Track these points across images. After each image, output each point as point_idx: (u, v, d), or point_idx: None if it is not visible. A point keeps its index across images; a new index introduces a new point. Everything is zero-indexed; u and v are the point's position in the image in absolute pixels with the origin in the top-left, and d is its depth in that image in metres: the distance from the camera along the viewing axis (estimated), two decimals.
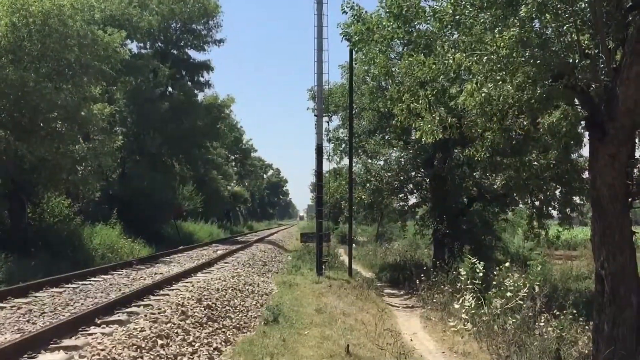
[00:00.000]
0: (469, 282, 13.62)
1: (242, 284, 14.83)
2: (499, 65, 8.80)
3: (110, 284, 13.79)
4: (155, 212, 32.40)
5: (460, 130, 13.38)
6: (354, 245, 39.08)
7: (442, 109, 13.98)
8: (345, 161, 26.80)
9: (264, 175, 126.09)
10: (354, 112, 23.54)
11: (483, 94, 9.34)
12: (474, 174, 22.47)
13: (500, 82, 9.08)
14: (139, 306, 10.59)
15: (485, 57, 8.84)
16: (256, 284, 15.78)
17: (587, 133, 9.73)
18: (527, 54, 8.66)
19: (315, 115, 20.59)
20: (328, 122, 26.12)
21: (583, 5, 8.61)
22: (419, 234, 25.05)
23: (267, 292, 15.00)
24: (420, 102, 13.16)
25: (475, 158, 13.88)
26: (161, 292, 12.49)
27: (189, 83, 41.25)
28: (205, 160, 45.92)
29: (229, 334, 9.92)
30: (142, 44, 38.38)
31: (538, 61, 8.63)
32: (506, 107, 10.08)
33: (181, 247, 27.60)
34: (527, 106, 9.40)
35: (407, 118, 13.41)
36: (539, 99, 9.07)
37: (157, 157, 37.08)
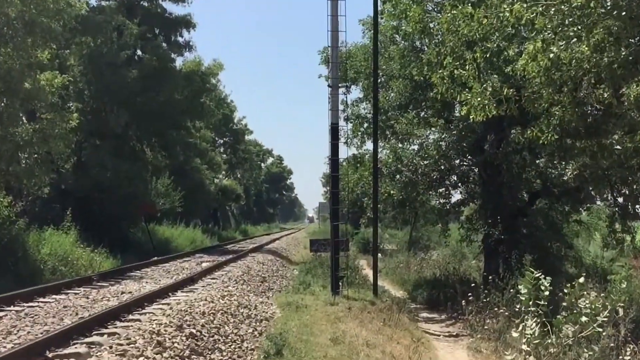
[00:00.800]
0: (531, 303, 13.56)
1: (234, 306, 14.84)
2: (571, 19, 8.73)
3: (65, 307, 13.85)
4: (121, 212, 32.59)
5: (520, 104, 13.30)
6: (379, 255, 39.19)
7: (496, 76, 13.91)
8: (368, 146, 26.78)
9: (262, 165, 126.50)
10: (379, 81, 23.46)
11: (550, 57, 9.28)
12: (538, 161, 22.31)
13: (573, 41, 9.00)
14: (101, 335, 10.64)
15: (554, 8, 8.77)
16: (253, 306, 15.78)
17: None
18: (608, 4, 8.59)
19: (328, 86, 20.46)
20: (346, 95, 26.11)
21: None
22: (465, 241, 25.02)
23: (267, 317, 15.01)
24: (467, 67, 13.10)
25: (540, 141, 13.80)
26: (130, 316, 12.54)
27: (164, 44, 41.33)
28: (185, 144, 46.04)
29: None
30: None
31: (623, 12, 8.54)
32: (580, 74, 10.00)
33: (155, 258, 27.71)
34: (607, 72, 9.32)
35: (450, 89, 13.34)
36: (624, 62, 8.99)
37: (123, 141, 37.20)
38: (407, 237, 48.00)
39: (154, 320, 11.78)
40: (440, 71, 13.74)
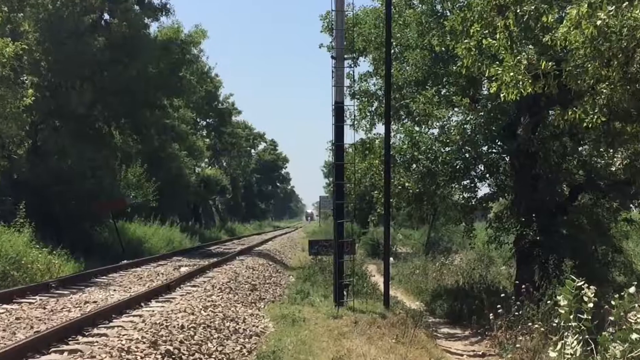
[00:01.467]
0: (571, 317, 13.58)
1: (219, 319, 14.87)
2: None
3: (17, 319, 13.87)
4: (84, 207, 32.59)
5: (560, 80, 13.28)
6: (391, 259, 39.24)
7: (532, 47, 13.87)
8: (379, 129, 26.79)
9: (252, 151, 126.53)
10: (392, 52, 23.42)
11: (597, 24, 9.25)
12: (581, 149, 22.30)
13: (625, 5, 8.98)
14: (61, 352, 10.66)
15: None
16: (241, 319, 15.81)
17: None
18: None
19: (332, 57, 20.44)
20: (353, 68, 26.04)
21: None
22: (494, 243, 24.97)
23: (257, 332, 15.04)
24: (498, 36, 13.06)
25: (584, 124, 13.78)
26: (95, 330, 12.56)
27: (136, 7, 41.14)
28: (160, 127, 46.04)
29: None
30: None
31: None
32: (633, 45, 9.97)
33: (125, 261, 27.73)
34: None
35: (477, 62, 13.31)
36: None
37: (87, 123, 37.21)
38: (424, 238, 48.09)
39: (123, 335, 11.80)
40: (465, 41, 13.69)
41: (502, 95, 12.34)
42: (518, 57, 12.37)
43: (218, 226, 76.82)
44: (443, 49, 21.09)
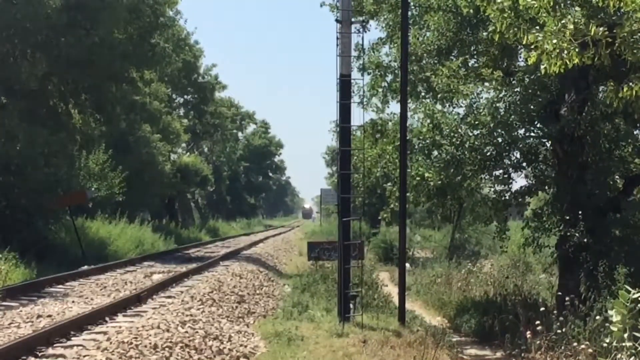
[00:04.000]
0: (626, 335, 13.60)
1: (200, 337, 14.91)
2: None
3: None
4: (36, 202, 32.57)
5: (613, 49, 13.26)
6: (408, 265, 39.26)
7: (579, 9, 13.85)
8: (393, 108, 26.72)
9: (240, 134, 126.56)
10: (410, 14, 23.40)
11: None
12: (637, 132, 22.28)
13: None
14: None
15: None
16: (226, 337, 15.86)
17: None
18: None
19: (337, 21, 20.45)
20: (361, 34, 25.98)
21: None
22: (531, 245, 24.93)
23: (246, 353, 15.09)
24: None
25: None
26: (50, 350, 12.59)
27: None
28: (129, 104, 46.00)
29: None
30: None
31: None
32: None
33: (85, 267, 27.79)
34: None
35: (513, 26, 13.28)
36: None
37: (39, 100, 37.15)
38: (447, 240, 48.13)
39: (84, 356, 11.84)
40: (499, 0, 13.68)
41: (542, 67, 12.30)
42: (563, 21, 12.33)
43: (198, 225, 77.03)
44: (471, 10, 21.03)
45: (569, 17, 12.59)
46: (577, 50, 11.98)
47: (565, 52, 11.86)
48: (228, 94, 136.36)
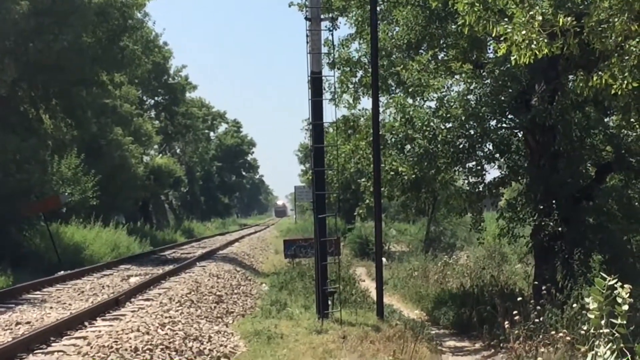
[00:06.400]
0: (603, 322, 13.68)
1: (179, 339, 14.92)
2: None
3: None
4: (8, 209, 32.41)
5: (582, 39, 13.35)
6: (383, 260, 39.31)
7: (546, 0, 13.93)
8: (365, 103, 26.74)
9: (212, 134, 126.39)
10: (378, 10, 23.42)
11: None
12: (607, 120, 22.37)
13: None
14: None
15: None
16: (206, 338, 15.89)
17: None
18: None
19: (306, 19, 20.48)
20: (331, 31, 26.00)
21: None
22: (506, 236, 25.02)
23: (226, 353, 15.13)
24: None
25: (612, 91, 13.86)
26: (32, 357, 12.55)
27: None
28: (99, 108, 45.97)
29: None
30: None
31: None
32: None
33: (62, 272, 27.70)
34: None
35: (482, 19, 13.35)
36: None
37: (9, 106, 36.97)
38: (423, 233, 48.22)
39: None
40: None
41: (512, 58, 12.39)
42: (531, 12, 12.42)
43: (173, 226, 76.85)
44: (440, 4, 21.10)
45: (537, 8, 12.68)
46: (546, 40, 12.08)
47: (535, 42, 11.95)
48: (199, 94, 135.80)
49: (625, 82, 13.12)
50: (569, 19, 12.40)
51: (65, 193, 40.93)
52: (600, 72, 13.54)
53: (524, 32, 11.95)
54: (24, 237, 34.91)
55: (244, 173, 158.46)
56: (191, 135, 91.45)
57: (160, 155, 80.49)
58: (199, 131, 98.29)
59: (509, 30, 12.21)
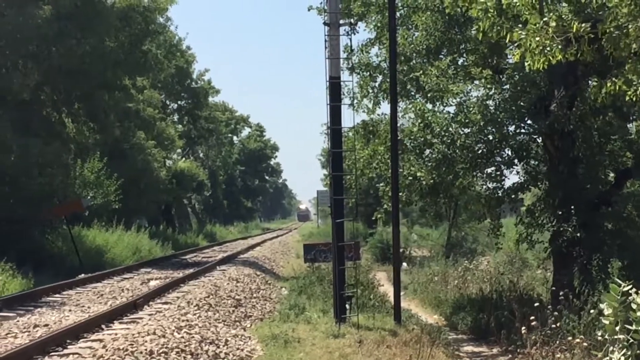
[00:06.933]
0: (617, 328, 13.64)
1: (196, 342, 14.97)
2: None
3: None
4: (31, 212, 32.59)
5: (598, 46, 13.31)
6: (404, 265, 39.28)
7: (566, 5, 13.88)
8: (384, 108, 26.74)
9: (235, 138, 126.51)
10: (398, 15, 23.42)
11: None
12: (628, 124, 22.30)
13: None
14: None
15: None
16: (223, 341, 15.93)
17: None
18: None
19: (324, 24, 20.52)
20: (350, 36, 26.06)
21: None
22: (525, 241, 24.94)
23: (242, 356, 15.16)
24: None
25: (627, 97, 13.78)
26: (46, 359, 12.62)
27: None
28: (122, 111, 46.05)
29: None
30: None
31: None
32: None
33: (82, 275, 27.79)
34: None
35: (495, 25, 13.34)
36: None
37: (32, 110, 37.11)
38: (445, 238, 48.15)
39: None
40: (481, 0, 13.71)
41: (526, 64, 12.38)
42: (546, 19, 12.39)
43: (195, 230, 76.79)
44: (458, 10, 21.12)
45: (552, 13, 12.65)
46: (560, 46, 12.05)
47: (548, 48, 11.93)
48: (222, 98, 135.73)
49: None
50: (583, 25, 12.37)
51: (88, 197, 41.10)
52: (614, 79, 13.51)
53: (537, 38, 11.93)
54: (46, 241, 35.10)
55: (267, 177, 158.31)
56: (214, 140, 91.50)
57: (183, 159, 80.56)
58: (222, 135, 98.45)
59: (522, 37, 12.19)
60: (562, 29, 12.18)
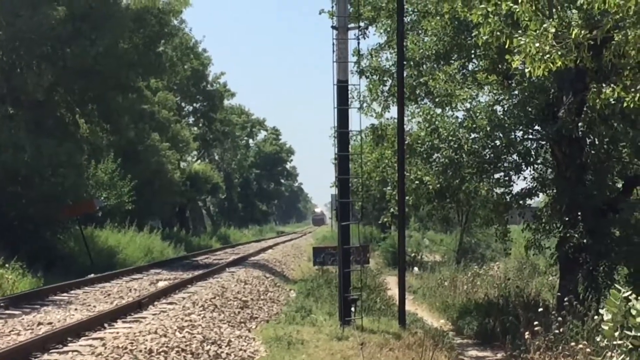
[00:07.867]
0: (616, 334, 13.65)
1: (197, 342, 15.04)
2: None
3: None
4: (44, 212, 32.71)
5: (600, 53, 13.32)
6: (415, 270, 39.31)
7: (575, 11, 13.87)
8: (393, 112, 26.77)
9: (250, 141, 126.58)
10: (407, 20, 23.43)
11: None
12: (634, 132, 22.28)
13: None
14: None
15: None
16: (225, 342, 15.99)
17: None
18: None
19: (333, 27, 20.56)
20: (359, 40, 26.10)
21: None
22: (532, 247, 24.89)
23: (244, 357, 15.21)
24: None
25: (626, 104, 13.76)
26: (46, 357, 12.75)
27: None
28: (136, 113, 46.18)
29: None
30: None
31: None
32: None
33: (92, 275, 27.91)
34: None
35: (495, 31, 13.38)
36: None
37: (46, 110, 37.31)
38: (456, 244, 48.08)
39: None
40: (482, 6, 13.75)
41: (527, 70, 12.42)
42: (546, 24, 12.41)
43: (209, 232, 76.93)
44: (466, 16, 21.18)
45: (553, 19, 12.67)
46: (559, 53, 12.07)
47: (548, 55, 11.96)
48: (237, 101, 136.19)
49: (638, 95, 13.07)
50: (585, 32, 12.39)
51: (101, 197, 41.26)
52: (613, 85, 13.52)
53: (537, 44, 11.95)
54: (58, 240, 35.26)
55: (282, 181, 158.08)
56: (229, 142, 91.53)
57: (198, 161, 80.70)
58: (237, 138, 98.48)
59: (522, 43, 12.22)
60: (562, 35, 12.21)
